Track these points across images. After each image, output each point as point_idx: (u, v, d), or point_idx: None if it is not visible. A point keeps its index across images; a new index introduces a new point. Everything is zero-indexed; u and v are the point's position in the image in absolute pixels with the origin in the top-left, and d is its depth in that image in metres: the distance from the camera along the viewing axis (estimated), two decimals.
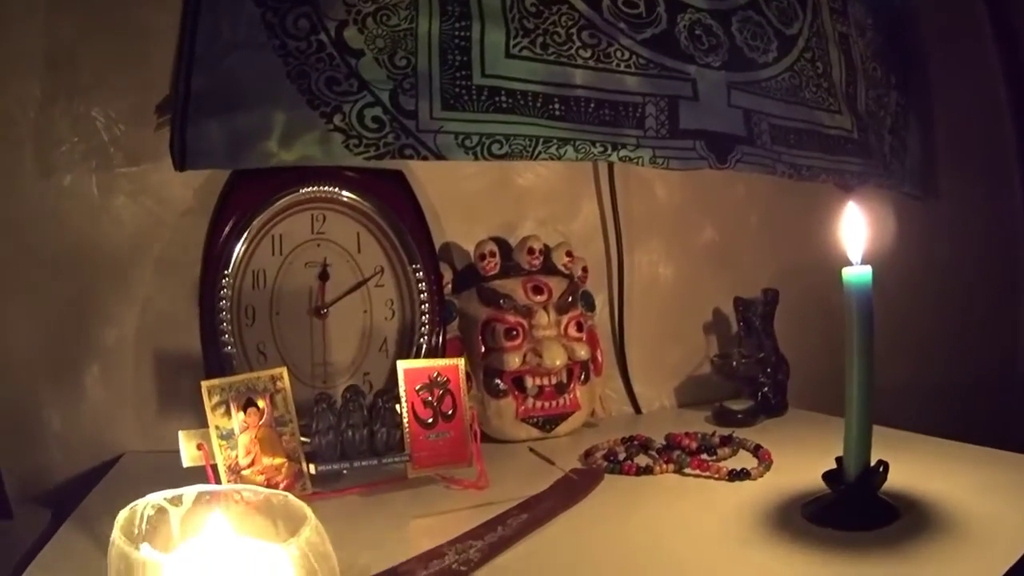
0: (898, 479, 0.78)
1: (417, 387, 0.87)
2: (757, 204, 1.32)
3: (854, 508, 0.73)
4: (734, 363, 1.16)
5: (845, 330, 0.73)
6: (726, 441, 0.99)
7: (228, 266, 1.00)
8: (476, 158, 1.02)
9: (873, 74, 1.36)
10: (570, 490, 0.86)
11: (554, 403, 1.08)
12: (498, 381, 1.06)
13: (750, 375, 1.15)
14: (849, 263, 0.74)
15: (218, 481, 0.77)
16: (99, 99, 1.00)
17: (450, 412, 0.88)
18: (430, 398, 0.88)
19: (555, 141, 1.05)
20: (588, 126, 1.08)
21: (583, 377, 1.11)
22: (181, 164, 0.96)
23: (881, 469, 0.74)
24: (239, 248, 1.01)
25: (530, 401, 1.07)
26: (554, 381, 1.08)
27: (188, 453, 0.78)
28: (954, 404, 1.34)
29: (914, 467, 0.85)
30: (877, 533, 0.70)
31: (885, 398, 1.03)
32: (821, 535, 0.71)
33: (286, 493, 0.59)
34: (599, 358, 1.16)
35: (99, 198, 1.01)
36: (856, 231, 0.77)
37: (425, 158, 1.00)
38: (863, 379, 0.73)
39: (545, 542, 0.74)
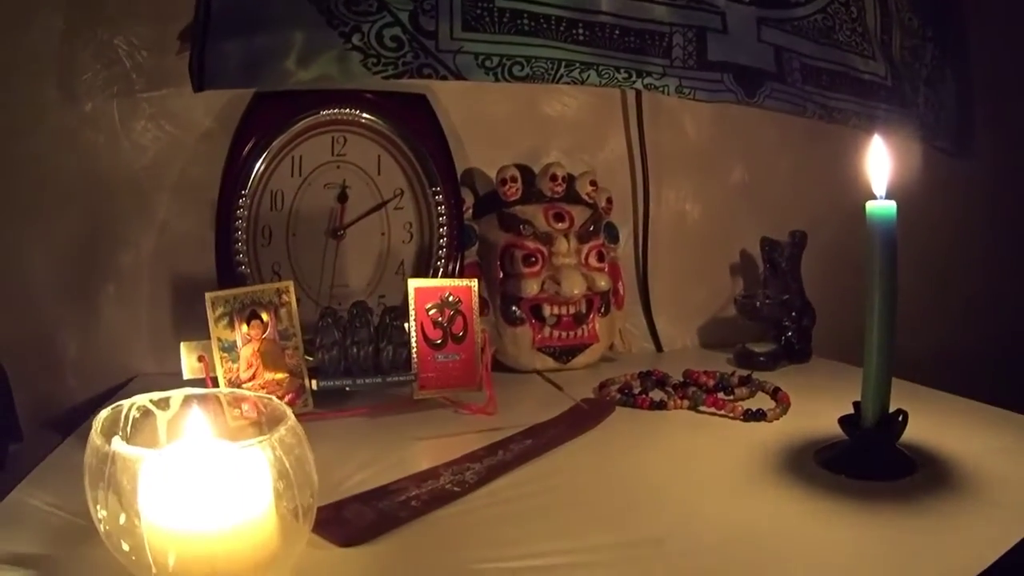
0: (920, 433, 0.75)
1: (428, 306, 0.86)
2: (790, 148, 1.27)
3: (870, 456, 0.70)
4: (757, 303, 1.12)
5: (866, 267, 0.70)
6: (745, 382, 0.96)
7: (245, 187, 0.99)
8: (496, 79, 0.99)
9: (909, 24, 1.29)
10: (579, 420, 0.85)
11: (571, 334, 1.06)
12: (515, 308, 1.04)
13: (773, 317, 1.11)
14: (873, 198, 0.70)
15: None
16: (122, 27, 0.99)
17: (461, 334, 0.87)
18: (440, 318, 0.86)
19: (578, 65, 1.02)
20: (613, 52, 1.04)
21: (603, 309, 1.08)
22: (199, 85, 0.95)
23: (900, 418, 0.70)
24: (257, 169, 0.99)
25: (547, 330, 1.05)
26: (572, 311, 1.05)
27: (189, 365, 0.78)
28: (988, 367, 1.29)
29: (938, 423, 0.81)
30: (891, 485, 0.67)
31: (922, 359, 1.00)
32: (833, 482, 0.68)
33: (271, 396, 0.58)
34: (621, 291, 1.13)
35: (120, 124, 1.01)
36: (880, 165, 0.73)
37: (444, 78, 0.97)
38: (884, 318, 0.69)
39: (546, 469, 0.73)
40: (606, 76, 1.03)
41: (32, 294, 0.99)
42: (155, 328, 1.03)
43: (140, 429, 0.56)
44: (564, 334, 1.05)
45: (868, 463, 0.70)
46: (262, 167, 1.00)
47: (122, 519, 0.49)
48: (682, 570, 0.55)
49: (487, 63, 0.98)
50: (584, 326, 1.06)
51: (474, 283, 0.89)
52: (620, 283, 1.13)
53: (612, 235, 1.13)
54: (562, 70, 1.01)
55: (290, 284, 0.81)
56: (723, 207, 1.24)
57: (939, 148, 1.30)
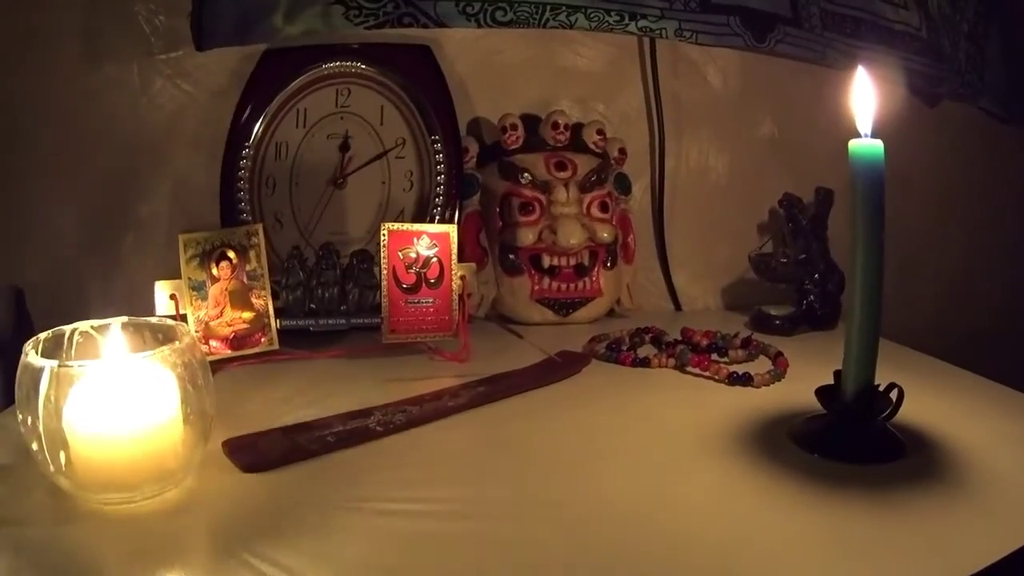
0: (923, 413, 0.68)
1: (400, 250, 0.85)
2: (826, 102, 1.16)
3: (847, 435, 0.63)
4: (772, 262, 1.05)
5: (850, 215, 0.64)
6: (745, 344, 0.91)
7: (249, 138, 1.01)
8: (479, 25, 0.97)
9: None
10: (546, 372, 0.83)
11: (572, 286, 1.03)
12: (512, 257, 1.02)
13: (791, 278, 1.04)
14: (857, 135, 0.64)
15: None
16: None
17: (435, 279, 0.86)
18: (413, 262, 0.85)
19: (564, 8, 0.98)
20: None
21: (609, 262, 1.05)
22: (198, 44, 0.99)
23: (894, 396, 0.63)
24: (261, 121, 1.02)
25: (546, 281, 1.03)
26: (573, 262, 1.02)
27: (161, 303, 0.80)
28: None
29: (948, 403, 0.74)
30: (870, 470, 0.60)
31: (952, 343, 0.93)
32: (803, 461, 0.61)
33: (182, 323, 0.60)
34: (631, 245, 1.09)
35: (139, 84, 1.05)
36: (865, 100, 0.66)
37: (425, 26, 0.97)
38: (868, 274, 0.63)
39: (486, 418, 0.72)
40: (595, 19, 0.99)
41: (58, 244, 1.05)
42: (169, 275, 1.06)
43: (84, 351, 0.61)
44: (564, 286, 1.03)
45: (844, 443, 0.63)
46: (266, 120, 1.02)
47: (28, 421, 0.53)
48: (569, 537, 0.52)
49: (468, 9, 0.96)
50: (586, 279, 1.03)
51: (452, 228, 0.88)
52: (631, 236, 1.09)
53: (623, 186, 1.09)
54: (547, 14, 0.98)
55: (260, 227, 0.82)
56: (750, 162, 1.18)
57: (987, 111, 1.19)
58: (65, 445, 0.54)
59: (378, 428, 0.66)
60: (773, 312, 1.02)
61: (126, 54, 1.04)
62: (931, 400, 0.73)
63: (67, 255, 1.05)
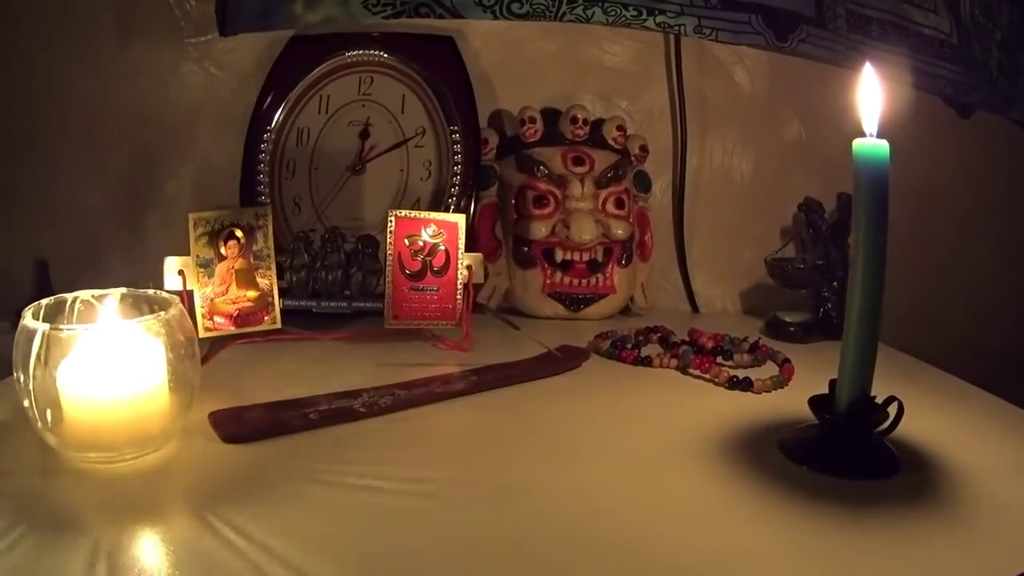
0: (929, 431, 0.66)
1: (407, 237, 0.86)
2: (855, 106, 1.15)
3: (838, 448, 0.61)
4: (789, 267, 1.03)
5: (853, 217, 0.63)
6: (753, 349, 0.89)
7: (271, 122, 1.03)
8: (495, 16, 0.97)
9: None
10: (544, 365, 0.82)
11: (585, 281, 1.02)
12: (526, 249, 1.02)
13: (806, 283, 1.02)
14: (862, 135, 0.62)
15: (192, 306, 0.80)
16: None
17: (440, 267, 0.86)
18: (420, 250, 0.86)
19: (581, 1, 0.97)
20: None
21: (624, 260, 1.04)
22: (223, 30, 1.02)
23: (893, 410, 0.60)
24: (283, 106, 1.04)
25: (558, 276, 1.02)
26: (586, 258, 1.02)
27: (169, 278, 0.82)
28: None
29: (956, 424, 0.71)
30: (860, 485, 0.58)
31: (977, 362, 0.90)
32: (789, 473, 0.59)
33: (175, 296, 0.61)
34: (648, 243, 1.08)
35: (169, 67, 1.08)
36: (872, 98, 0.64)
37: (441, 16, 0.97)
38: (868, 279, 0.60)
39: (473, 405, 0.72)
40: (612, 14, 0.98)
41: (87, 219, 1.09)
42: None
43: (83, 318, 0.63)
44: (576, 281, 1.02)
45: (835, 455, 0.60)
46: (289, 105, 1.04)
47: (22, 380, 0.56)
48: (527, 524, 0.51)
49: (484, 1, 0.96)
50: (599, 275, 1.03)
51: (461, 218, 0.88)
52: (648, 235, 1.08)
53: (643, 184, 1.08)
54: (564, 7, 0.97)
55: (268, 208, 0.83)
56: (776, 164, 1.16)
57: (1019, 122, 1.15)
58: (53, 404, 0.56)
59: (362, 409, 0.66)
60: (788, 319, 1.00)
61: (157, 37, 1.07)
62: (939, 418, 0.71)
63: (93, 229, 1.08)
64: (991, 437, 0.68)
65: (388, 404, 0.67)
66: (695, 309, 1.15)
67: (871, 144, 0.61)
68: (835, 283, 1.01)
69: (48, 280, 1.01)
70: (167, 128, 1.09)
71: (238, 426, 0.62)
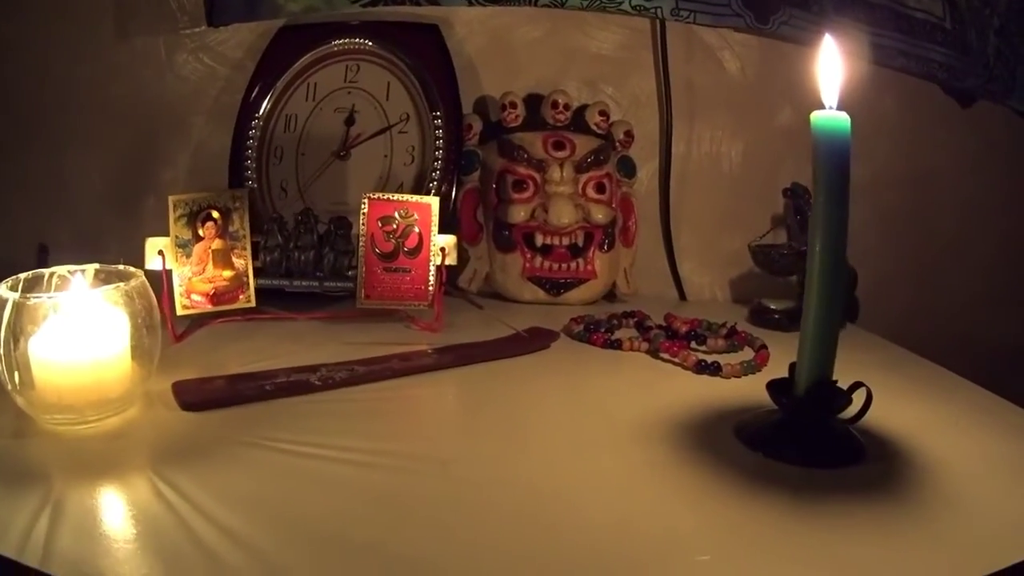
0: (903, 422, 0.64)
1: (380, 218, 0.87)
2: (851, 94, 1.13)
3: (795, 434, 0.59)
4: (773, 253, 1.02)
5: (813, 194, 0.60)
6: (730, 334, 0.88)
7: (259, 110, 1.05)
8: (471, 3, 0.99)
9: None
10: (509, 345, 0.83)
11: (565, 266, 1.03)
12: (506, 233, 1.03)
13: (791, 270, 1.01)
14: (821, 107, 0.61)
15: (170, 285, 0.83)
16: None
17: (412, 248, 0.88)
18: (392, 231, 0.87)
19: None
20: None
21: (606, 245, 1.04)
22: (210, 20, 1.05)
23: (860, 398, 0.58)
24: (271, 94, 1.07)
25: (538, 260, 1.03)
26: (566, 242, 1.02)
27: (149, 258, 0.84)
28: None
29: (936, 415, 0.69)
30: (816, 473, 0.56)
31: (978, 358, 0.89)
32: (742, 459, 0.57)
33: (138, 272, 0.64)
34: (632, 228, 1.09)
35: (166, 57, 1.12)
36: (832, 70, 0.62)
37: (417, 3, 0.99)
38: (828, 257, 0.57)
39: (433, 382, 0.73)
40: None
41: (86, 203, 1.13)
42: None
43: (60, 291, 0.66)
44: (556, 266, 1.03)
45: (791, 442, 0.58)
46: (276, 93, 1.07)
47: None
48: (458, 496, 0.52)
49: None
50: (580, 260, 1.03)
51: (434, 201, 0.89)
52: (632, 220, 1.09)
53: (627, 169, 1.09)
54: None
55: (244, 191, 0.86)
56: (766, 151, 1.15)
57: (1017, 111, 1.14)
58: (23, 368, 0.59)
59: (317, 382, 0.68)
60: (772, 306, 1.00)
61: (154, 29, 1.10)
62: (923, 410, 0.69)
63: (92, 216, 1.12)
64: (975, 432, 0.66)
65: (343, 378, 0.69)
66: (683, 296, 1.15)
67: (831, 116, 0.59)
68: None
69: (47, 265, 1.03)
70: (163, 117, 1.12)
71: (196, 395, 0.64)
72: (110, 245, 1.12)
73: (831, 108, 0.61)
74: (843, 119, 0.59)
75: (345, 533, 0.47)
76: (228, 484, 0.52)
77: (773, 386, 0.61)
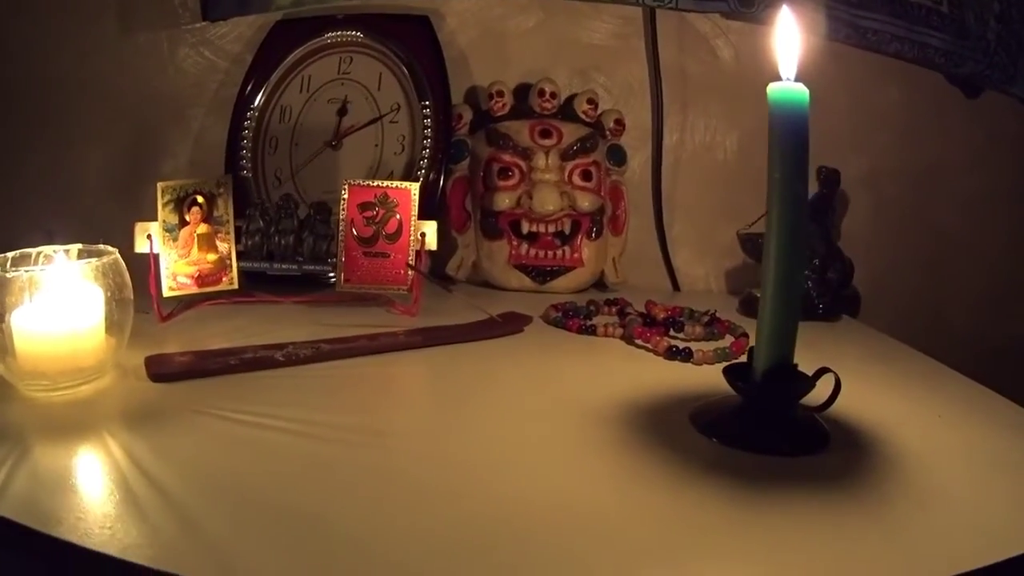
0: (881, 412, 0.63)
1: (360, 203, 0.89)
2: (851, 85, 1.12)
3: (753, 420, 0.57)
4: (761, 240, 1.01)
5: (768, 170, 0.59)
6: (711, 322, 0.88)
7: (254, 101, 1.08)
8: None
9: None
10: (480, 329, 0.84)
11: (551, 254, 1.04)
12: (492, 221, 1.04)
13: None
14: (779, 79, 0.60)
15: (157, 267, 0.85)
16: None
17: (392, 233, 0.89)
18: (372, 216, 0.89)
19: None
20: None
21: (593, 233, 1.05)
22: (205, 15, 1.08)
23: (829, 387, 0.55)
24: (266, 86, 1.10)
25: (524, 247, 1.04)
26: (553, 230, 1.03)
27: (139, 242, 0.87)
28: None
29: (919, 406, 0.67)
30: (774, 462, 0.53)
31: (985, 356, 0.88)
32: (695, 445, 0.55)
33: (114, 250, 0.66)
34: (621, 217, 1.09)
35: (167, 51, 1.15)
36: (789, 41, 0.62)
37: None
38: (785, 234, 0.56)
39: (395, 362, 0.75)
40: None
41: (88, 193, 1.16)
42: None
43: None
44: (542, 253, 1.04)
45: (747, 428, 0.56)
46: (271, 85, 1.10)
47: None
48: (400, 470, 0.52)
49: None
50: (566, 247, 1.04)
51: (415, 187, 0.90)
52: (621, 209, 1.09)
53: (617, 158, 1.09)
54: None
55: (229, 178, 0.88)
56: (762, 141, 1.13)
57: (1019, 99, 1.12)
58: (5, 337, 0.62)
59: (280, 358, 0.70)
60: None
61: (157, 25, 1.14)
62: (906, 402, 0.67)
63: (95, 207, 1.16)
64: (962, 426, 0.63)
65: (308, 355, 0.71)
66: (676, 287, 1.15)
67: (788, 88, 0.57)
68: (815, 260, 0.97)
69: None
70: (165, 109, 1.16)
71: (164, 367, 0.66)
72: (114, 232, 1.15)
73: (788, 80, 0.60)
74: (801, 91, 0.58)
75: (269, 496, 0.48)
76: (173, 447, 0.54)
77: (730, 371, 0.59)
